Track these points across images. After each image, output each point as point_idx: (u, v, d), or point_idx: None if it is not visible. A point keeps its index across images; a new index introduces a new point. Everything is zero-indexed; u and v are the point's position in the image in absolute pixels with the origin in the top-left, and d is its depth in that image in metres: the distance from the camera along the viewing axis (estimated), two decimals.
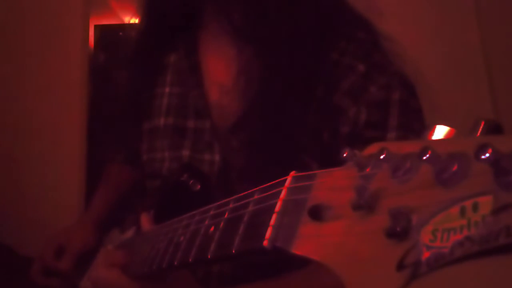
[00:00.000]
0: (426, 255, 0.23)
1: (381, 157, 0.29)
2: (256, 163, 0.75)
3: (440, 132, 0.30)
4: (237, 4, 0.79)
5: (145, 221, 0.74)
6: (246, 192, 0.47)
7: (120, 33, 2.13)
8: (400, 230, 0.25)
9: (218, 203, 0.53)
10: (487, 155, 0.21)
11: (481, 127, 0.26)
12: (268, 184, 0.42)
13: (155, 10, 0.91)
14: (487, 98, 1.85)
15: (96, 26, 2.13)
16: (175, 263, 0.56)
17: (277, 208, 0.38)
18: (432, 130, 0.30)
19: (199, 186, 0.79)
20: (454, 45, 1.88)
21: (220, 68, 0.85)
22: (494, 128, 0.26)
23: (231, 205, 0.49)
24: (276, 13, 0.75)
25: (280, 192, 0.39)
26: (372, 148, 0.32)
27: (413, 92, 0.75)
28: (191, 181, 0.79)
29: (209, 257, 0.48)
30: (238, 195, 0.48)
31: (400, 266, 0.24)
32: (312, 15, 0.77)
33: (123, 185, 1.15)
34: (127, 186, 1.16)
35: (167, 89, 0.92)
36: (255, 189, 0.45)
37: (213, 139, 0.84)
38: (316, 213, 0.34)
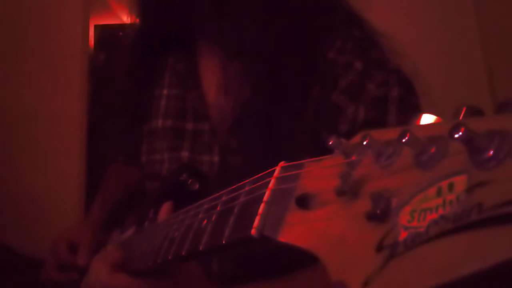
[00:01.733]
0: (403, 235, 0.23)
1: (364, 143, 0.29)
2: (255, 164, 0.75)
3: (427, 120, 0.30)
4: (222, 25, 0.80)
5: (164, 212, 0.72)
6: (238, 184, 0.47)
7: (120, 33, 2.13)
8: (380, 213, 0.25)
9: (211, 197, 0.53)
10: (460, 133, 0.21)
11: (462, 112, 0.26)
12: (259, 175, 0.43)
13: (147, 22, 0.92)
14: (487, 96, 1.85)
15: (96, 26, 2.14)
16: (169, 257, 0.56)
17: (265, 197, 0.38)
18: (418, 118, 0.31)
19: (198, 186, 0.80)
20: (453, 42, 1.89)
21: (216, 71, 0.86)
22: (476, 114, 0.27)
23: (223, 198, 0.50)
24: (264, 20, 0.76)
25: (269, 182, 0.40)
26: (357, 137, 0.33)
27: (411, 89, 0.75)
28: (190, 181, 0.80)
29: (200, 249, 0.48)
30: (230, 188, 0.49)
31: (379, 247, 0.24)
32: (304, 16, 0.78)
33: (123, 186, 1.16)
34: (127, 188, 1.16)
35: (165, 91, 0.92)
36: (246, 180, 0.45)
37: (212, 141, 0.84)
38: (303, 201, 0.35)
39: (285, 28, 0.76)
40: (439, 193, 0.22)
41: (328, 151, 0.72)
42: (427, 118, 0.31)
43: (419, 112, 0.77)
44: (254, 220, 0.38)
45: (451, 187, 0.22)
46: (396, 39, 0.79)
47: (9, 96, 1.95)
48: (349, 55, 0.77)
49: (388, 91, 0.73)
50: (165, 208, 0.70)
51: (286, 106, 0.75)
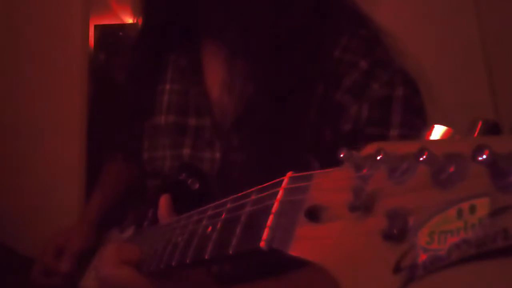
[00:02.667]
0: (422, 257, 0.22)
1: (378, 158, 0.28)
2: (257, 161, 0.75)
3: (438, 132, 0.30)
4: (226, 20, 0.79)
5: (163, 208, 0.69)
6: (243, 193, 0.46)
7: (120, 33, 2.12)
8: (397, 232, 0.25)
9: (216, 203, 0.53)
10: (484, 156, 0.20)
11: (478, 127, 0.26)
12: (265, 184, 0.42)
13: (151, 19, 0.92)
14: (487, 96, 1.85)
15: (96, 26, 2.13)
16: (173, 263, 0.56)
17: (273, 209, 0.38)
18: (430, 130, 0.30)
19: (198, 185, 0.79)
20: (454, 43, 1.88)
21: (219, 67, 0.85)
22: (492, 128, 0.26)
23: (228, 206, 0.49)
24: (269, 17, 0.76)
25: (277, 193, 0.39)
26: (369, 149, 0.32)
27: (416, 90, 0.75)
28: (190, 180, 0.79)
29: (206, 257, 0.48)
30: (235, 196, 0.48)
31: (397, 269, 0.24)
32: (310, 15, 0.77)
33: (122, 184, 1.15)
34: (125, 185, 1.15)
35: (167, 86, 0.92)
36: (252, 189, 0.45)
37: (213, 137, 0.83)
38: (313, 214, 0.34)
39: (290, 26, 0.76)
40: (459, 215, 0.21)
41: (330, 149, 0.72)
42: (438, 130, 0.30)
43: (423, 113, 0.76)
44: (263, 232, 0.37)
45: (473, 209, 0.21)
46: (399, 39, 0.79)
47: (9, 96, 1.94)
48: (354, 54, 0.76)
49: (393, 91, 0.73)
50: (163, 202, 0.68)
51: (290, 103, 0.75)
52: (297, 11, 0.77)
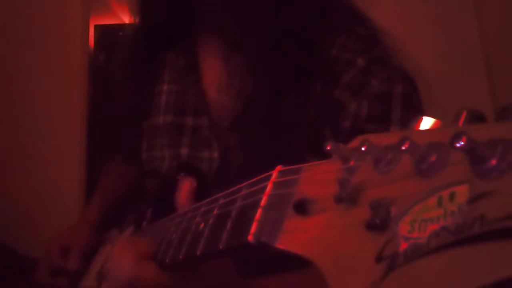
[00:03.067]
0: (403, 246, 0.22)
1: (362, 148, 0.28)
2: (255, 160, 0.74)
3: (426, 123, 0.30)
4: (225, 15, 0.79)
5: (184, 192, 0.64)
6: (234, 188, 0.46)
7: (120, 33, 2.12)
8: (379, 222, 0.24)
9: (209, 199, 0.53)
10: (462, 143, 0.20)
11: (463, 117, 0.25)
12: (255, 179, 0.42)
13: (148, 17, 0.92)
14: (487, 96, 1.84)
15: (96, 26, 2.13)
16: (167, 260, 0.56)
17: (262, 202, 0.38)
18: (418, 121, 0.30)
19: (196, 185, 0.79)
20: (454, 42, 1.88)
21: (217, 66, 0.85)
22: (477, 118, 0.26)
23: (220, 201, 0.49)
24: (265, 17, 0.76)
25: (266, 186, 0.39)
26: (356, 141, 0.32)
27: (415, 87, 0.74)
28: (181, 175, 0.79)
29: (198, 253, 0.48)
30: (227, 191, 0.48)
31: (379, 258, 0.24)
32: (306, 14, 0.77)
33: (122, 184, 1.15)
34: (125, 185, 1.15)
35: (165, 87, 0.92)
36: (242, 184, 0.45)
37: (211, 137, 0.83)
38: (301, 207, 0.34)
39: (287, 24, 0.76)
40: (440, 203, 0.21)
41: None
42: (427, 121, 0.30)
43: (421, 110, 0.76)
44: (251, 226, 0.37)
45: (452, 197, 0.21)
46: (398, 38, 0.78)
47: (9, 96, 1.94)
48: (351, 52, 0.76)
49: (392, 87, 0.72)
50: (186, 187, 0.63)
51: (288, 102, 0.75)
52: (295, 8, 0.77)
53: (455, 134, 0.20)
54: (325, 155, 0.81)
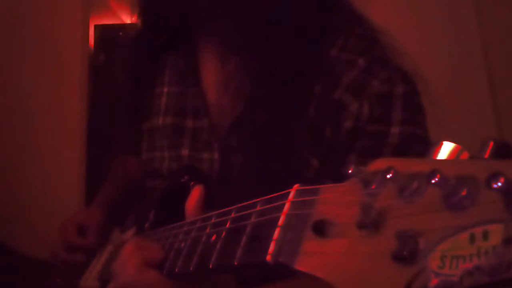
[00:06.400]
0: (434, 281, 0.22)
1: (388, 176, 0.28)
2: (256, 161, 0.75)
3: (447, 149, 0.30)
4: (224, 18, 0.79)
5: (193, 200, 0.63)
6: (248, 202, 0.46)
7: (120, 33, 2.11)
8: (407, 254, 0.24)
9: (220, 211, 0.52)
10: (500, 184, 0.20)
11: (489, 148, 0.25)
12: (271, 196, 0.42)
13: (149, 19, 0.92)
14: (488, 97, 1.85)
15: (96, 26, 2.12)
16: (176, 270, 0.55)
17: (280, 222, 0.38)
18: (438, 146, 0.30)
19: (205, 193, 0.79)
20: (454, 42, 1.88)
21: (217, 68, 0.85)
22: (503, 149, 0.26)
23: (233, 215, 0.49)
24: (264, 19, 0.76)
25: (283, 205, 0.39)
26: (377, 164, 0.32)
27: (415, 88, 0.75)
28: (192, 183, 0.79)
29: (210, 266, 0.48)
30: (240, 205, 0.48)
31: None
32: (305, 14, 0.77)
33: (133, 175, 1.15)
34: (136, 177, 1.15)
35: (165, 89, 0.92)
36: (257, 199, 0.44)
37: (212, 138, 0.84)
38: (320, 229, 0.34)
39: (286, 25, 0.76)
40: (472, 240, 0.21)
41: (330, 148, 0.72)
42: (447, 147, 0.30)
43: (422, 111, 0.76)
44: (269, 245, 0.37)
45: (485, 235, 0.21)
46: (399, 39, 0.78)
47: (9, 96, 1.94)
48: (351, 53, 0.76)
49: (393, 88, 0.72)
50: (195, 194, 0.62)
51: (288, 103, 0.75)
52: (294, 9, 0.77)
53: (492, 174, 0.20)
54: (326, 156, 0.80)
